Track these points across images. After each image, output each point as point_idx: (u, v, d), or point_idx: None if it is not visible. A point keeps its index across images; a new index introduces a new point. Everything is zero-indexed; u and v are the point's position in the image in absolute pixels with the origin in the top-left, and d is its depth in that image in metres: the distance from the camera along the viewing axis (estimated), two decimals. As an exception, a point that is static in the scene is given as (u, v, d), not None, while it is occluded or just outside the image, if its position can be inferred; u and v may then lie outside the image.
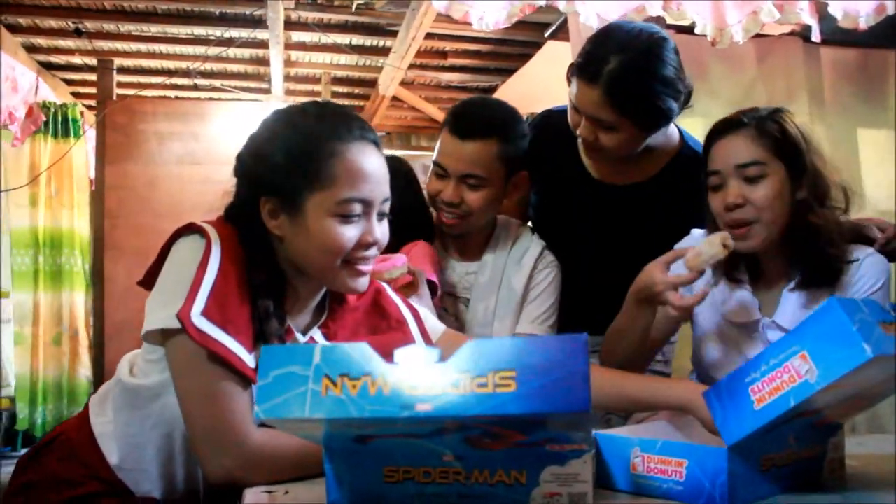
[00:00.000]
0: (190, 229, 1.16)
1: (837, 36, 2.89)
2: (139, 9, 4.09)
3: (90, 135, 4.75)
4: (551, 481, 0.90)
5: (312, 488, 1.05)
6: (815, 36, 2.66)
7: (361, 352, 0.78)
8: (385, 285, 1.41)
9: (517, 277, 1.78)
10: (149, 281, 1.18)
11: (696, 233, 1.60)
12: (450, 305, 1.80)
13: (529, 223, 1.95)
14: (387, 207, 1.23)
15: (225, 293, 1.09)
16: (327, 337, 1.26)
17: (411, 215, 1.78)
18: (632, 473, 1.03)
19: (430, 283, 1.66)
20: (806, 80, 3.09)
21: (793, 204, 1.43)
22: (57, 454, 1.20)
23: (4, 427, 4.58)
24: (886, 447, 1.33)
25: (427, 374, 0.75)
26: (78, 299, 4.70)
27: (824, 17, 2.69)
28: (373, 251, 1.21)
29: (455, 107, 1.77)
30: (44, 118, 4.38)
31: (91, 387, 4.67)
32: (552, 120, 1.83)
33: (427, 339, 1.35)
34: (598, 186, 1.81)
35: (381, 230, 1.21)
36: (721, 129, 1.48)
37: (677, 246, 1.53)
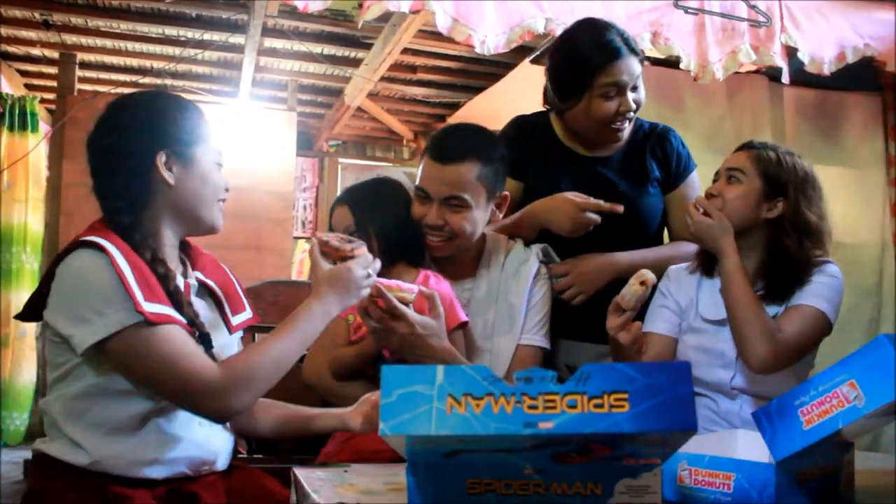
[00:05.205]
0: (82, 246, 1.33)
1: (800, 77, 3.11)
2: (112, 5, 4.03)
3: (45, 129, 4.64)
4: (624, 492, 0.98)
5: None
6: (786, 78, 2.85)
7: (483, 373, 0.84)
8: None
9: (515, 291, 1.82)
10: (36, 304, 1.36)
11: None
12: None
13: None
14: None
15: (144, 277, 1.32)
16: (204, 273, 1.53)
17: (405, 233, 1.79)
18: (678, 485, 1.12)
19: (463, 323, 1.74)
20: (770, 117, 3.29)
21: (759, 218, 1.75)
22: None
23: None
24: (881, 464, 1.48)
25: (546, 395, 0.83)
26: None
27: (791, 58, 2.89)
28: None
29: (435, 133, 1.85)
30: (0, 110, 4.25)
31: (35, 391, 4.54)
32: (524, 121, 2.05)
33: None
34: (582, 159, 1.99)
35: None
36: (737, 149, 1.85)
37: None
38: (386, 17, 3.86)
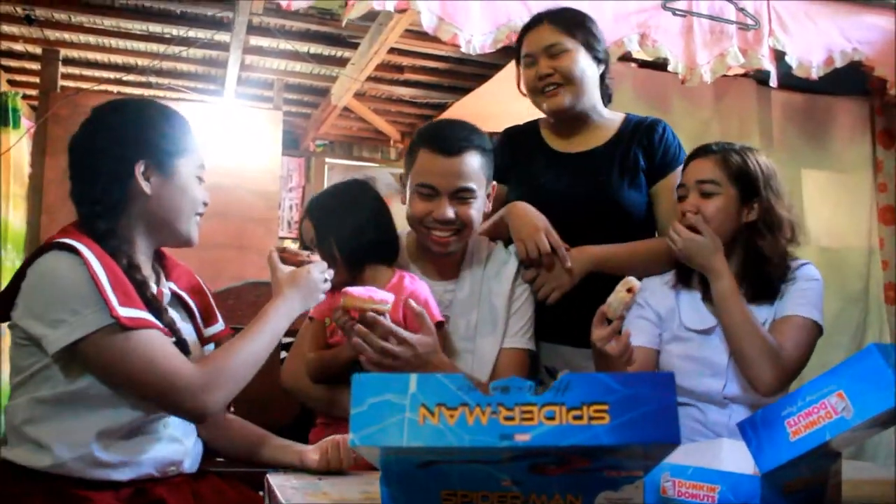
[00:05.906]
0: (55, 248, 1.31)
1: (788, 81, 3.10)
2: (96, 1, 3.97)
3: (27, 125, 4.57)
4: (605, 505, 0.95)
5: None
6: (773, 81, 2.84)
7: (457, 382, 0.81)
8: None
9: (498, 292, 1.81)
10: (4, 304, 1.34)
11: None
12: None
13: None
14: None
15: (119, 282, 1.31)
16: (178, 284, 1.54)
17: (374, 235, 1.77)
18: (661, 496, 1.09)
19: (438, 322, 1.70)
20: (757, 121, 3.28)
21: (739, 224, 1.72)
22: None
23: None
24: (866, 472, 1.47)
25: (523, 405, 0.79)
26: (7, 296, 4.47)
27: (779, 61, 2.88)
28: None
29: (428, 129, 1.83)
30: (-19, 106, 4.19)
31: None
32: (514, 130, 2.11)
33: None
34: (563, 156, 2.00)
35: None
36: (695, 153, 1.78)
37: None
38: (372, 16, 3.83)
